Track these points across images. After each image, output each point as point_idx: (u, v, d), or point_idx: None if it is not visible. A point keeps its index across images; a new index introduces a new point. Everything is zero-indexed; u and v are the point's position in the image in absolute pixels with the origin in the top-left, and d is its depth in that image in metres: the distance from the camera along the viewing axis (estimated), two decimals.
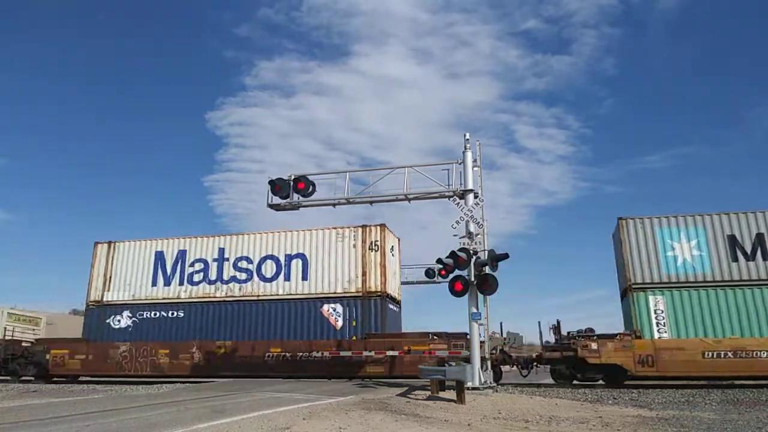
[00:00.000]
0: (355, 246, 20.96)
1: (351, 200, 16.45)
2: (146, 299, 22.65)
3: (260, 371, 19.58)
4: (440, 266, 14.31)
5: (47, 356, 22.16)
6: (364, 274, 20.53)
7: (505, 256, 14.44)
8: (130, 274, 23.20)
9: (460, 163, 15.58)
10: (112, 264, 23.48)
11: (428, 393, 12.94)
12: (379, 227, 21.08)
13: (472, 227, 14.60)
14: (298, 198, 16.51)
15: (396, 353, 18.40)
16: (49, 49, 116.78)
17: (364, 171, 17.30)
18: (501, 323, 19.79)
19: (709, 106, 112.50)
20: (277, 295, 21.21)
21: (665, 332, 17.46)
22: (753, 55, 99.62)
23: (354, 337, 19.70)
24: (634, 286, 17.88)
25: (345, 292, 20.55)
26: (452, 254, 14.14)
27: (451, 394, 12.29)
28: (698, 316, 17.49)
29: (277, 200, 16.61)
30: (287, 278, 21.33)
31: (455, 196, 15.20)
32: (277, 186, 16.30)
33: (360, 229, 21.11)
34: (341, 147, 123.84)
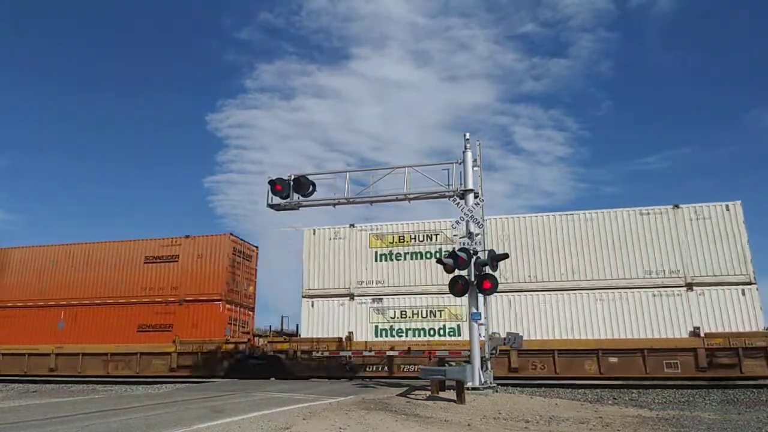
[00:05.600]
0: None
1: (351, 200, 16.43)
2: None
3: None
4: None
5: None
6: None
7: (505, 256, 14.48)
8: None
9: (459, 163, 15.56)
10: None
11: (428, 393, 12.93)
12: None
13: (472, 227, 14.61)
14: (298, 198, 16.47)
15: None
16: (49, 49, 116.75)
17: (364, 171, 17.26)
18: None
19: (706, 108, 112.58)
20: None
21: None
22: (749, 56, 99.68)
23: None
24: None
25: None
26: (452, 254, 14.17)
27: (451, 394, 12.28)
28: None
29: (277, 200, 16.55)
30: None
31: (455, 196, 15.18)
32: (278, 186, 16.25)
33: None
34: (341, 148, 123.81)
